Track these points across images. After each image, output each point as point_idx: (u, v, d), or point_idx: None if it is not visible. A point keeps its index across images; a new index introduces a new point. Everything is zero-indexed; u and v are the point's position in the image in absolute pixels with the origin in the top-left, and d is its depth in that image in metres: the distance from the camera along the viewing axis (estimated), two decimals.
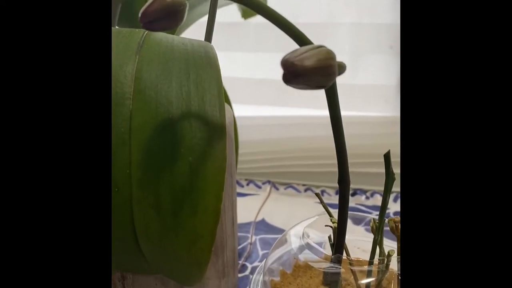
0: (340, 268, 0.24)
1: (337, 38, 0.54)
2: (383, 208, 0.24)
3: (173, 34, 0.18)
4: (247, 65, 0.58)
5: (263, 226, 0.45)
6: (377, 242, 0.24)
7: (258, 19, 0.49)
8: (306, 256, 0.30)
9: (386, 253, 0.25)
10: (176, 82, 0.21)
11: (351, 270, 0.25)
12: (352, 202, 0.49)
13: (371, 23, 0.53)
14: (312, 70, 0.15)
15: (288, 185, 0.53)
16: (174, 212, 0.20)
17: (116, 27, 0.34)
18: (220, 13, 0.54)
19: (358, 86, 0.55)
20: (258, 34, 0.56)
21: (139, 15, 0.16)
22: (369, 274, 0.24)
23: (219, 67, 0.22)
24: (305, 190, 0.52)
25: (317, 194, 0.28)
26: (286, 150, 0.55)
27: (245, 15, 0.47)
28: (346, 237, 0.24)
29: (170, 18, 0.16)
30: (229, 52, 0.57)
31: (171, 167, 0.20)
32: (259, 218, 0.47)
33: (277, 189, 0.53)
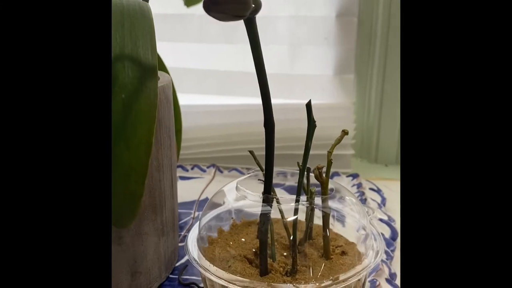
0: (270, 206, 0.26)
1: (277, 30, 0.57)
2: (305, 152, 0.26)
3: None
4: (191, 56, 0.59)
5: (206, 203, 0.46)
6: (301, 183, 0.27)
7: (203, 10, 0.51)
8: (242, 214, 0.32)
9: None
10: (112, 30, 0.22)
11: (278, 209, 0.27)
12: (292, 181, 0.52)
13: (307, 15, 0.56)
14: None
15: (232, 168, 0.55)
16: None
17: None
18: (164, 4, 0.56)
19: (297, 75, 0.58)
20: (203, 25, 0.58)
21: None
22: (295, 212, 0.27)
23: (152, 18, 0.23)
24: (249, 172, 0.55)
25: (250, 152, 0.30)
26: (229, 135, 0.57)
27: (188, 3, 0.49)
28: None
29: None
30: (174, 42, 0.58)
31: None
32: (202, 197, 0.48)
33: (221, 172, 0.55)
